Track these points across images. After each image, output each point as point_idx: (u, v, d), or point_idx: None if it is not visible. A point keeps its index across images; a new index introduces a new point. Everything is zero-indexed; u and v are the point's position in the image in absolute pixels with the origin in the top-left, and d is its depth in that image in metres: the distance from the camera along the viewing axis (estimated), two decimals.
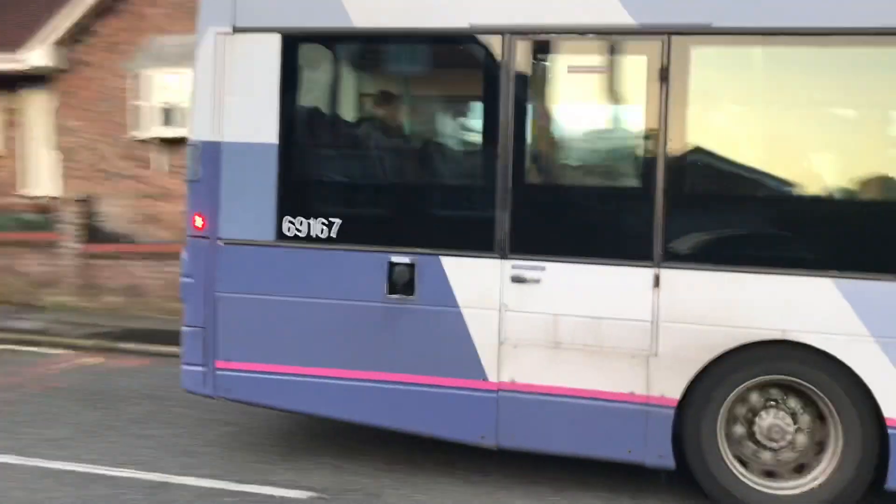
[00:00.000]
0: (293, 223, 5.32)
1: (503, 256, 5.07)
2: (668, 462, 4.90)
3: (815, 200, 4.93)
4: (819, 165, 5.03)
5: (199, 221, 5.48)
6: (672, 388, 4.84)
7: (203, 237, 5.48)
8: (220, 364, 5.48)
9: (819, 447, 4.81)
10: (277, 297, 5.40)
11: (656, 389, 4.87)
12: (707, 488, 4.91)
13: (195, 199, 5.48)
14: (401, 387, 5.24)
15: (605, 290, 4.94)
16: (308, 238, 5.32)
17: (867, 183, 4.87)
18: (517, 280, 5.04)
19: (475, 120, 5.35)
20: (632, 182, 5.20)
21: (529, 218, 5.09)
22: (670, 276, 4.83)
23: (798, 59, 4.85)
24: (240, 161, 5.39)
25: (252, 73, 5.36)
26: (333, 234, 5.28)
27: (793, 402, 4.84)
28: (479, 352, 5.12)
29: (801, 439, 4.82)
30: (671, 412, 4.85)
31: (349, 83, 5.69)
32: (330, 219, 5.29)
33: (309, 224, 5.31)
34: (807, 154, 5.03)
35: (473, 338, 5.12)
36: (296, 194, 5.38)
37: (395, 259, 5.18)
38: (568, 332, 4.98)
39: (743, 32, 4.75)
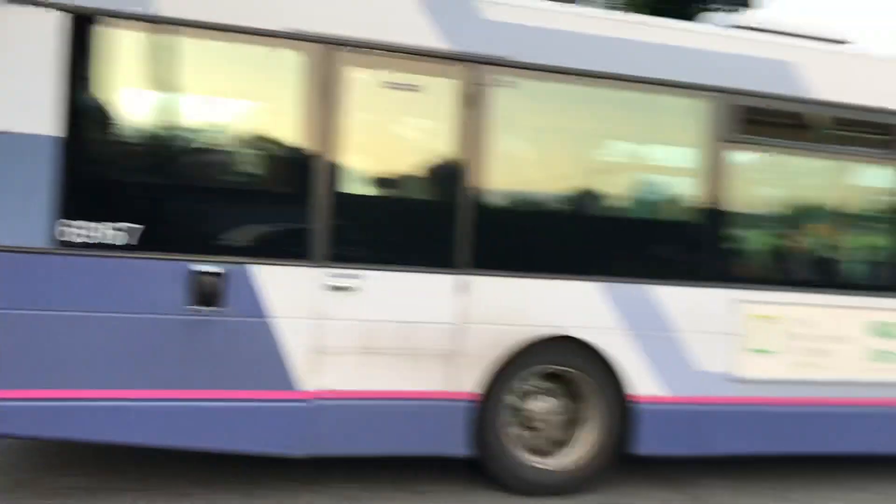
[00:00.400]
0: (76, 227, 4.74)
1: (319, 265, 5.11)
2: (468, 451, 5.39)
3: (582, 216, 5.81)
4: (582, 187, 5.89)
5: None
6: (471, 383, 5.37)
7: None
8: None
9: (580, 424, 5.72)
10: (57, 313, 4.73)
11: (458, 386, 5.35)
12: (494, 470, 5.51)
13: None
14: (208, 404, 4.95)
15: (416, 297, 5.28)
16: (98, 245, 4.78)
17: (620, 201, 5.97)
18: (333, 288, 5.12)
19: (291, 125, 5.21)
20: (439, 195, 5.51)
21: (346, 227, 5.18)
22: (473, 282, 5.36)
23: (575, 94, 5.72)
24: (6, 154, 4.65)
25: (28, 52, 4.67)
26: (130, 241, 4.82)
27: (560, 389, 5.69)
28: (293, 362, 5.08)
29: (567, 419, 5.69)
30: (470, 406, 5.37)
31: (144, 74, 5.06)
32: (124, 223, 4.82)
33: (97, 229, 4.78)
34: (576, 177, 5.85)
35: (287, 348, 5.07)
36: (79, 194, 4.77)
37: (203, 268, 4.89)
38: (382, 338, 5.21)
39: (534, 68, 5.52)
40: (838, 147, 6.29)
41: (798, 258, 6.40)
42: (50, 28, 4.67)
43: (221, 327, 4.94)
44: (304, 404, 5.09)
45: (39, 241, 4.68)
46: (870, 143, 6.36)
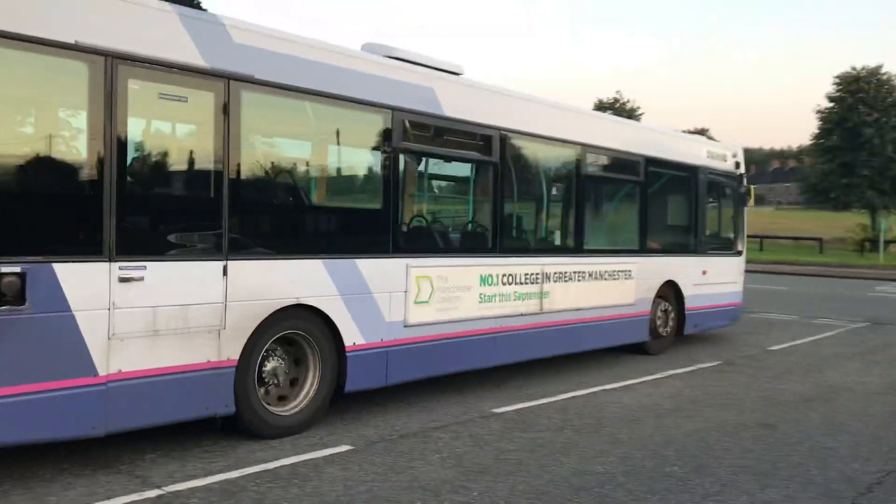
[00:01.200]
0: None
1: (111, 259, 5.60)
2: (231, 409, 6.38)
3: (308, 207, 7.39)
4: (306, 182, 7.53)
5: None
6: (234, 351, 6.35)
7: None
8: None
9: (306, 373, 7.05)
10: None
11: (224, 355, 6.29)
12: (247, 420, 6.54)
13: None
14: (16, 399, 5.18)
15: (190, 282, 6.06)
16: None
17: (333, 194, 7.80)
18: (124, 280, 5.66)
19: (80, 135, 5.58)
20: (206, 193, 6.26)
21: (132, 223, 5.75)
22: (233, 266, 6.33)
23: (295, 106, 7.02)
24: None
25: None
26: None
27: (292, 348, 6.98)
28: (90, 350, 5.51)
29: (296, 370, 7.01)
30: (233, 370, 6.36)
31: None
32: None
33: None
34: (301, 175, 7.37)
35: (85, 337, 5.48)
36: None
37: (7, 270, 5.06)
38: (164, 321, 5.90)
39: (282, 88, 6.72)
40: (458, 149, 8.74)
41: (437, 230, 8.96)
42: None
43: (24, 325, 5.18)
44: (102, 387, 5.59)
45: None
46: (478, 148, 8.84)
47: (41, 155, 5.53)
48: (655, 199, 11.72)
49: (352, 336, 7.28)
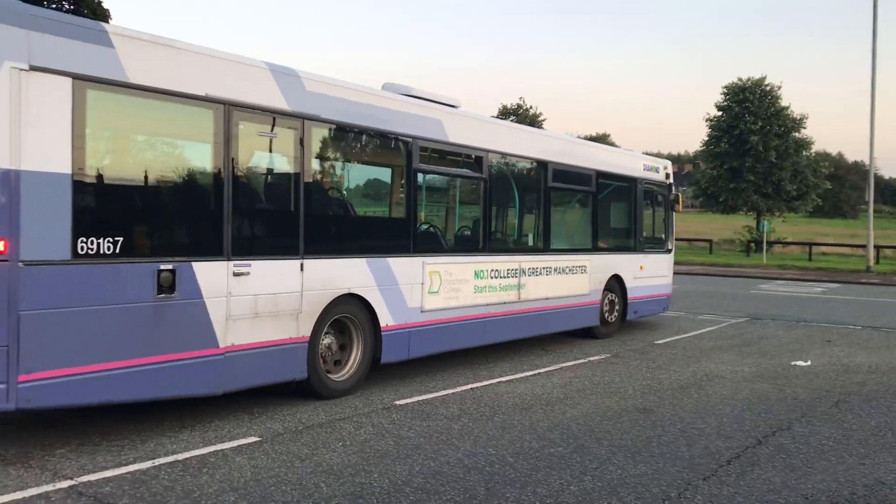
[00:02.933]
0: (84, 240, 6.21)
1: (228, 258, 7.32)
2: (305, 375, 8.15)
3: (358, 219, 9.52)
4: (358, 199, 9.79)
5: (3, 245, 5.79)
6: (307, 329, 8.15)
7: (3, 261, 5.77)
8: (25, 376, 5.87)
9: (351, 348, 8.81)
10: (80, 310, 6.17)
11: (300, 332, 8.07)
12: (318, 385, 8.30)
13: None
14: (178, 360, 6.85)
15: (280, 276, 7.83)
16: (95, 255, 6.27)
17: (378, 207, 10.28)
18: (237, 274, 7.37)
19: (207, 166, 7.31)
20: (289, 206, 8.08)
21: (241, 230, 7.48)
22: (307, 263, 8.13)
23: (343, 140, 9.08)
24: (38, 187, 5.90)
25: (49, 110, 6.01)
26: (113, 249, 6.39)
27: (340, 327, 8.70)
28: (214, 328, 7.19)
29: (343, 345, 8.76)
30: (306, 345, 8.14)
31: (119, 124, 6.82)
32: (109, 237, 6.36)
33: (95, 241, 6.28)
34: (356, 191, 9.79)
35: (211, 318, 7.16)
36: (83, 216, 6.19)
37: (163, 267, 6.74)
38: (262, 305, 7.63)
39: (337, 126, 8.63)
40: (459, 166, 10.69)
41: (442, 233, 10.91)
42: (66, 91, 6.19)
43: (174, 308, 6.83)
44: (221, 357, 7.25)
45: (66, 255, 6.15)
46: (471, 166, 10.73)
47: (181, 180, 7.23)
48: (603, 206, 13.82)
49: (385, 319, 9.11)
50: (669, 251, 16.02)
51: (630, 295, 14.33)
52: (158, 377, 6.71)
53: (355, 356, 8.87)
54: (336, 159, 9.06)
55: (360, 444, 6.81)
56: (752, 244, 46.85)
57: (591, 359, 11.52)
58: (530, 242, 12.19)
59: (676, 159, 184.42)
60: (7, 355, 5.79)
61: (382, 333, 9.07)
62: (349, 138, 8.98)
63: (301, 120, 8.11)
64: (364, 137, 9.14)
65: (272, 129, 7.87)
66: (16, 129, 5.82)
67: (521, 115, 62.77)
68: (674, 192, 15.93)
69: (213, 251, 7.20)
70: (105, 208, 6.50)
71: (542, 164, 12.08)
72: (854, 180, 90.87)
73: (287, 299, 7.91)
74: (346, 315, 8.72)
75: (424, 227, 10.40)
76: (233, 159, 7.37)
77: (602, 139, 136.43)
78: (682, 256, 38.84)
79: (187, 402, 7.81)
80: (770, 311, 19.00)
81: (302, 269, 8.09)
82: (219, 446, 6.63)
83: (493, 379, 9.86)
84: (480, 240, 10.88)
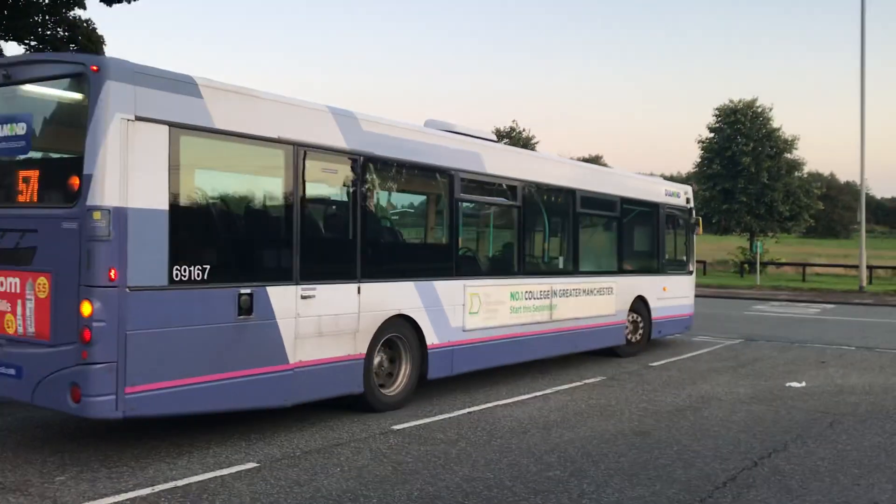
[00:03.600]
0: (178, 267, 6.93)
1: (297, 283, 8.06)
2: (361, 389, 8.85)
3: (407, 245, 10.58)
4: (401, 229, 10.55)
5: (113, 273, 6.45)
6: (363, 347, 8.85)
7: (114, 286, 6.45)
8: (131, 388, 6.57)
9: (400, 365, 9.52)
10: (175, 330, 6.92)
11: (357, 350, 8.78)
12: (372, 399, 9.01)
13: (107, 254, 6.45)
14: (254, 375, 7.60)
15: (340, 299, 8.57)
16: (188, 282, 7.00)
17: (424, 234, 11.00)
18: (304, 297, 8.10)
19: (279, 200, 8.18)
20: (348, 235, 8.85)
21: (308, 257, 8.16)
22: (363, 286, 8.87)
23: (403, 172, 9.79)
24: (142, 222, 6.65)
25: (150, 154, 6.76)
26: (202, 276, 7.13)
27: (390, 347, 9.38)
28: (285, 345, 7.90)
29: (389, 362, 9.44)
30: (363, 361, 8.85)
31: (207, 164, 7.66)
32: (199, 265, 7.11)
33: (188, 269, 7.01)
34: (404, 224, 10.69)
35: (283, 337, 7.88)
36: (178, 247, 6.94)
37: (243, 291, 7.47)
38: (325, 325, 8.35)
39: (389, 161, 9.39)
40: (495, 195, 11.46)
41: (480, 259, 11.67)
42: (163, 137, 6.93)
43: (251, 328, 7.57)
44: (290, 372, 7.98)
45: (164, 281, 6.87)
46: (506, 195, 11.53)
47: (258, 213, 8.14)
48: (628, 230, 14.55)
49: (431, 338, 9.78)
50: (691, 272, 16.63)
51: (654, 315, 14.91)
52: (238, 390, 7.45)
53: (404, 372, 9.58)
54: (388, 191, 9.81)
55: (359, 470, 6.84)
56: (746, 265, 46.93)
57: (588, 381, 11.57)
58: (561, 265, 12.87)
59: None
60: (116, 370, 6.47)
61: (429, 351, 9.78)
62: (399, 172, 9.66)
63: (358, 157, 8.91)
64: (412, 171, 9.87)
65: (334, 166, 8.72)
66: (124, 172, 6.54)
67: (515, 138, 62.93)
68: (694, 216, 16.65)
69: (284, 276, 7.98)
70: (195, 239, 7.31)
71: (570, 192, 12.81)
72: (846, 200, 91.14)
73: (346, 320, 8.67)
74: (396, 335, 9.42)
75: (465, 251, 11.04)
76: (301, 194, 8.18)
77: (595, 160, 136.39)
78: None
79: (185, 427, 7.89)
80: (764, 332, 19.05)
81: (359, 292, 8.84)
82: (218, 472, 6.66)
83: (490, 402, 9.90)
84: (515, 263, 11.60)
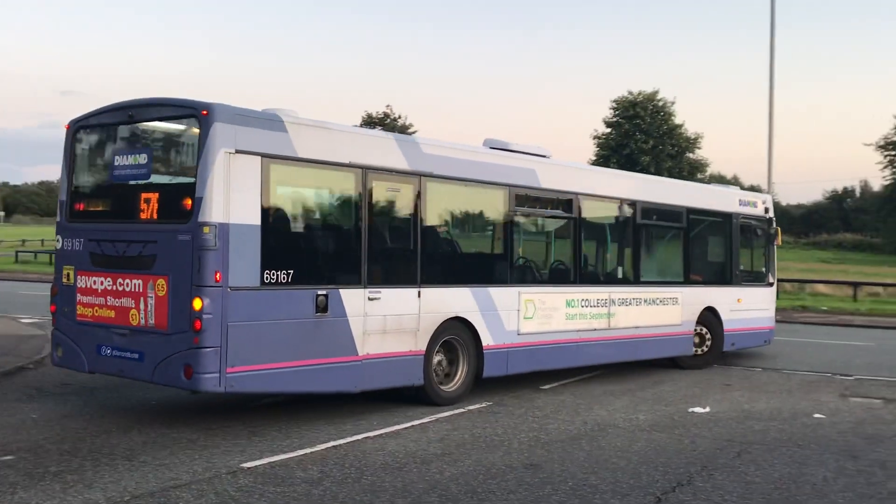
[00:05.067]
0: (269, 272, 8.49)
1: (365, 286, 9.52)
2: (421, 381, 10.10)
3: (462, 255, 11.38)
4: (460, 240, 11.52)
5: (218, 276, 8.04)
6: (423, 345, 10.13)
7: (218, 286, 8.04)
8: (231, 368, 8.15)
9: (458, 364, 10.72)
10: (266, 322, 8.50)
11: (418, 346, 10.07)
12: (432, 393, 10.29)
13: (214, 260, 8.06)
14: (329, 363, 9.10)
15: (402, 301, 9.90)
16: (276, 283, 8.56)
17: (480, 244, 12.13)
18: (371, 299, 9.53)
19: (350, 216, 9.68)
20: (409, 246, 10.24)
21: (374, 265, 9.64)
22: (423, 291, 10.17)
23: (461, 189, 11.10)
24: (240, 235, 8.23)
25: (246, 179, 8.33)
26: (287, 279, 8.67)
27: (448, 346, 10.61)
28: (355, 340, 9.35)
29: (449, 361, 10.66)
30: (423, 357, 10.12)
31: (291, 187, 9.19)
32: (285, 270, 8.64)
33: (276, 273, 8.56)
34: (459, 234, 11.69)
35: (353, 333, 9.33)
36: (269, 255, 8.50)
37: (320, 292, 9.00)
38: (390, 324, 9.71)
39: (447, 179, 10.68)
40: (551, 208, 12.46)
41: (536, 268, 12.44)
42: (256, 166, 8.49)
43: (327, 323, 9.07)
44: (359, 363, 9.40)
45: (256, 283, 8.43)
46: (562, 207, 12.49)
47: (332, 227, 9.82)
48: (696, 240, 14.93)
49: (486, 339, 10.88)
50: (771, 284, 16.57)
51: (727, 327, 14.99)
52: (315, 375, 8.96)
53: (462, 371, 10.75)
54: (446, 206, 11.00)
55: None
56: None
57: (471, 408, 10.51)
58: (619, 275, 13.52)
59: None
60: (219, 354, 8.04)
61: (484, 352, 10.89)
62: (456, 188, 10.97)
63: (419, 177, 10.24)
64: (468, 187, 11.10)
65: (397, 185, 10.07)
66: (227, 195, 8.14)
67: (389, 125, 57.83)
68: (773, 225, 16.55)
69: (354, 281, 9.41)
70: (281, 249, 8.78)
71: (630, 204, 13.53)
72: None
73: (408, 319, 9.97)
74: (454, 336, 10.61)
75: (520, 260, 11.99)
76: (368, 210, 9.63)
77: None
78: None
79: None
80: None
81: (419, 296, 10.11)
82: None
83: (359, 434, 8.78)
84: (571, 272, 12.57)
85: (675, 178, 48.51)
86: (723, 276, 15.35)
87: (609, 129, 51.21)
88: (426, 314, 10.10)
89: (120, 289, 8.67)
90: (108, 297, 8.78)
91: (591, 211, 12.87)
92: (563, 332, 11.93)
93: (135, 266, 8.56)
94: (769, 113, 31.76)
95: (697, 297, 14.46)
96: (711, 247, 15.55)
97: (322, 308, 8.92)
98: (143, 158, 8.83)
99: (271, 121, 8.69)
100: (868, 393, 12.44)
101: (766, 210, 16.43)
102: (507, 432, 9.14)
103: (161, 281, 8.31)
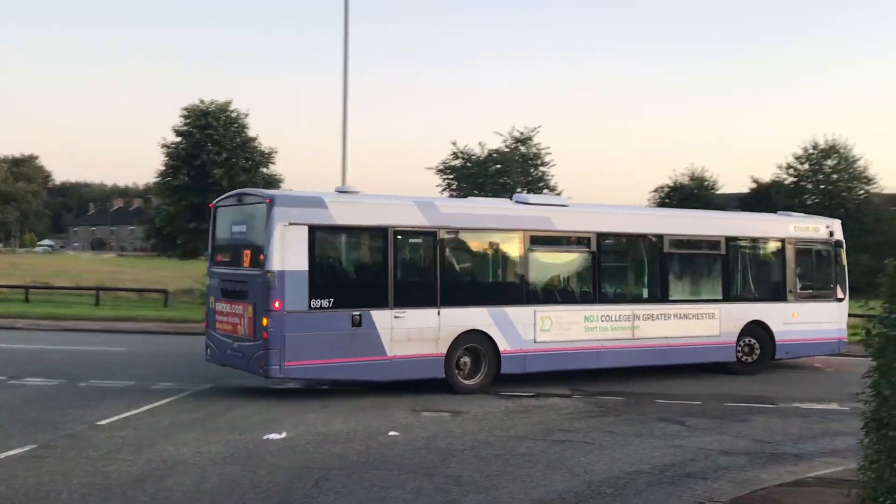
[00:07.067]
0: (314, 300, 12.80)
1: (391, 308, 13.52)
2: (443, 375, 13.83)
3: (478, 283, 15.22)
4: (474, 271, 15.40)
5: (277, 304, 12.51)
6: (443, 349, 13.87)
7: (278, 311, 12.55)
8: (287, 363, 12.62)
9: (480, 364, 14.28)
10: (312, 334, 12.83)
11: (439, 350, 13.82)
12: (453, 384, 13.91)
13: (275, 293, 12.52)
14: (364, 361, 13.21)
15: (424, 318, 13.73)
16: (319, 308, 12.88)
17: (496, 274, 15.61)
18: (396, 317, 13.50)
19: (379, 259, 13.83)
20: (430, 279, 14.04)
21: (399, 291, 13.60)
22: (444, 311, 13.91)
23: (477, 236, 15.01)
24: (292, 277, 12.68)
25: (297, 242, 12.77)
26: (329, 304, 12.97)
27: (472, 350, 14.34)
28: (384, 345, 13.36)
29: (474, 361, 14.28)
30: (443, 358, 13.87)
31: (331, 244, 13.86)
32: (327, 299, 12.93)
33: (319, 301, 12.85)
34: (480, 267, 15.45)
35: (382, 340, 13.35)
36: (314, 289, 12.83)
37: (354, 313, 13.16)
38: (413, 334, 13.61)
39: (461, 230, 14.65)
40: (568, 245, 15.95)
41: (554, 291, 15.60)
42: (304, 233, 12.82)
43: (362, 333, 13.21)
44: (388, 361, 13.41)
45: (305, 307, 12.80)
46: (580, 244, 15.71)
47: (365, 266, 14.32)
48: (737, 263, 17.43)
49: (503, 346, 14.34)
50: (840, 300, 18.42)
51: (779, 339, 17.23)
52: (352, 369, 13.22)
53: (483, 370, 14.23)
54: (462, 248, 14.82)
55: None
56: None
57: (9, 454, 8.79)
58: (644, 295, 16.58)
59: (125, 192, 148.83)
60: (279, 354, 12.51)
61: (501, 355, 14.33)
62: (472, 235, 14.76)
63: (436, 230, 14.07)
64: (482, 234, 14.89)
65: (418, 238, 14.14)
66: (283, 252, 12.61)
67: None
68: (839, 248, 18.50)
69: (382, 304, 13.36)
70: (323, 285, 13.07)
71: (657, 237, 16.41)
72: None
73: (429, 331, 13.69)
74: (474, 344, 14.11)
75: (535, 285, 15.19)
76: (394, 255, 13.69)
77: (29, 161, 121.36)
78: (132, 311, 30.35)
79: None
80: (237, 374, 15.71)
81: (439, 315, 13.79)
82: None
83: None
84: (592, 293, 15.61)
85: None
86: (774, 293, 17.68)
87: (180, 139, 48.09)
88: (445, 327, 13.81)
89: (233, 312, 13.51)
90: (228, 317, 13.65)
91: (612, 244, 16.31)
92: (581, 341, 15.05)
93: (239, 297, 13.42)
94: (342, 133, 31.58)
95: (740, 313, 16.85)
96: (759, 268, 17.85)
97: (357, 323, 13.09)
98: (244, 227, 13.95)
99: (315, 200, 13.33)
100: (437, 406, 12.95)
101: (831, 233, 18.44)
102: (54, 480, 8.09)
103: (250, 307, 12.98)
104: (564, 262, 15.91)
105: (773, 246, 18.01)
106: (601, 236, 15.57)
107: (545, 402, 13.43)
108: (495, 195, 29.25)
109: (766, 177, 48.11)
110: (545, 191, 39.40)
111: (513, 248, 14.91)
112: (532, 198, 16.05)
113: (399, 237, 13.66)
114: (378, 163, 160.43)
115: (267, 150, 47.09)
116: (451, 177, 43.56)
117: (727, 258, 17.18)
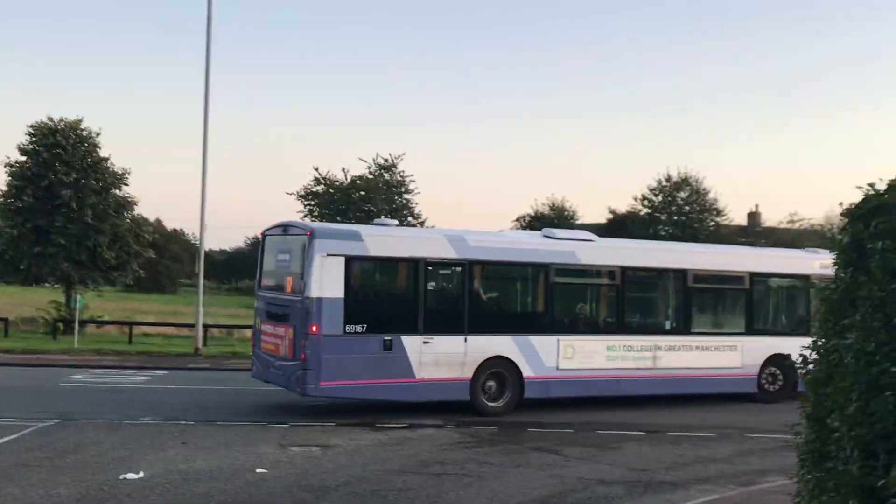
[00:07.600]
0: (349, 325, 13.95)
1: (420, 334, 14.68)
2: (468, 398, 14.99)
3: (504, 313, 16.66)
4: (501, 300, 16.82)
5: (314, 328, 13.62)
6: (469, 373, 15.01)
7: (316, 334, 13.67)
8: (322, 382, 13.78)
9: (504, 388, 15.39)
10: (347, 356, 13.92)
11: (464, 374, 14.98)
12: (478, 407, 15.08)
13: (313, 318, 13.66)
14: (393, 382, 14.30)
15: (451, 344, 14.86)
16: (354, 332, 14.01)
17: (521, 304, 17.23)
18: (425, 343, 14.64)
19: (411, 288, 14.99)
20: (457, 308, 15.30)
21: (427, 318, 14.79)
22: (470, 338, 15.07)
23: (504, 269, 16.65)
24: (329, 304, 13.83)
25: (334, 271, 13.94)
26: (363, 329, 14.10)
27: (497, 375, 15.48)
28: (413, 368, 14.50)
29: (499, 385, 15.42)
30: (469, 382, 15.02)
31: (366, 274, 15.17)
32: (360, 324, 14.10)
33: (354, 326, 13.99)
34: (505, 297, 17.00)
35: (411, 364, 14.48)
36: (349, 315, 13.98)
37: (386, 338, 14.30)
38: (441, 358, 14.74)
39: (489, 263, 15.96)
40: (592, 278, 17.13)
41: (577, 321, 16.89)
42: (341, 263, 14.07)
43: (393, 357, 14.39)
44: (417, 383, 14.54)
45: (340, 331, 14.00)
46: (605, 276, 16.87)
47: (397, 296, 15.49)
48: (762, 298, 18.30)
49: (527, 371, 15.34)
50: None
51: (802, 370, 16.25)
52: (383, 388, 14.30)
53: (508, 393, 15.25)
54: (490, 279, 16.20)
55: None
56: (61, 324, 41.33)
57: None
58: (666, 326, 17.38)
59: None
60: (316, 374, 13.61)
61: (525, 380, 15.31)
62: (499, 267, 16.10)
63: (466, 261, 15.19)
64: (510, 266, 16.15)
65: (448, 269, 15.39)
66: (321, 281, 13.75)
67: None
68: None
69: (412, 331, 14.49)
70: (358, 311, 14.16)
71: (681, 272, 17.16)
72: (174, 250, 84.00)
73: (456, 356, 14.78)
74: (499, 369, 15.13)
75: (559, 316, 16.22)
76: (424, 285, 14.86)
77: None
78: None
79: None
80: (87, 408, 14.79)
81: (465, 341, 14.87)
82: None
83: None
84: (615, 324, 16.60)
85: (101, 216, 43.88)
86: (798, 328, 17.63)
87: (25, 158, 44.95)
88: (472, 353, 14.83)
89: (276, 333, 14.84)
90: (271, 338, 15.02)
91: (637, 278, 17.13)
92: (603, 370, 15.89)
93: (281, 320, 14.69)
94: (203, 155, 29.87)
95: (762, 346, 17.45)
96: (783, 303, 18.65)
97: (388, 347, 14.16)
98: (287, 256, 15.31)
99: (352, 233, 14.80)
100: (306, 440, 12.48)
101: None
102: None
103: (290, 329, 14.21)
104: (588, 293, 17.02)
105: (798, 282, 18.36)
106: (627, 270, 16.48)
107: (418, 433, 13.30)
108: (359, 222, 29.25)
109: (622, 208, 49.20)
110: (409, 218, 39.66)
111: (538, 279, 15.98)
112: (559, 233, 17.25)
113: (430, 268, 14.91)
114: (240, 183, 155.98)
115: (120, 171, 44.61)
116: (314, 203, 43.01)
117: (750, 293, 17.76)
